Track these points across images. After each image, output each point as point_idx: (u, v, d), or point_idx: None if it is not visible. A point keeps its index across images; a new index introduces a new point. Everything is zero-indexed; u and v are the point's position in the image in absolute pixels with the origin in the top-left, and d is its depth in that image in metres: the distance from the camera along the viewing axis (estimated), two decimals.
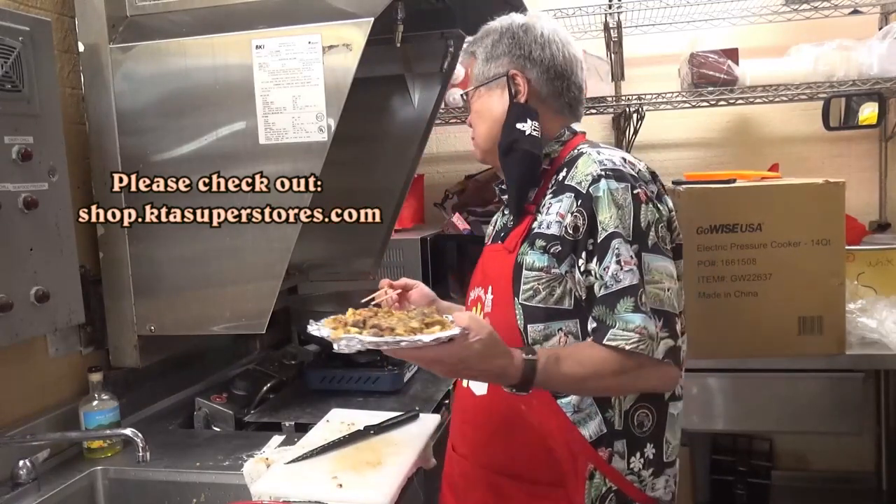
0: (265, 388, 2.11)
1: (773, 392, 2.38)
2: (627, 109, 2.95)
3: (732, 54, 2.71)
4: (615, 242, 1.24)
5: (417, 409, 1.76)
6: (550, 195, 1.34)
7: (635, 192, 1.27)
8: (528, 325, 1.31)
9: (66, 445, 1.72)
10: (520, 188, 1.39)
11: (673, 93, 2.86)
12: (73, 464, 1.68)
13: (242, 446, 1.73)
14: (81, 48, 1.80)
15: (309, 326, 1.18)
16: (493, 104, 1.43)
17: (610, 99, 2.96)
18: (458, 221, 2.78)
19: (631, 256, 1.23)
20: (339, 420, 1.71)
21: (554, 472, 1.32)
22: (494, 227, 1.55)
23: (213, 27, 1.72)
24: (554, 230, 1.30)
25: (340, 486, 1.39)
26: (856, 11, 2.80)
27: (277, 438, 1.72)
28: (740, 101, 2.87)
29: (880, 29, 2.74)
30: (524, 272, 1.32)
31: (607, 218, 1.25)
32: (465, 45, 1.52)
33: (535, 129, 1.37)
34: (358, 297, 2.50)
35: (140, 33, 1.78)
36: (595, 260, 1.26)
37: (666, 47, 3.05)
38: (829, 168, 3.02)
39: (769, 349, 2.25)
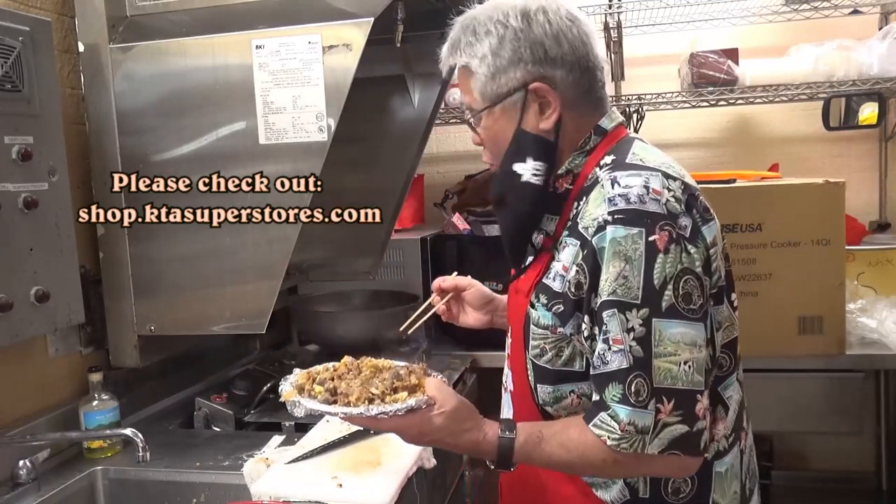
0: (265, 388, 2.11)
1: (773, 392, 2.38)
2: (627, 109, 2.95)
3: (732, 54, 2.71)
4: (606, 314, 1.03)
5: None
6: (566, 232, 1.13)
7: (651, 238, 1.02)
8: (538, 385, 1.16)
9: (66, 445, 1.72)
10: (514, 247, 1.20)
11: (673, 93, 2.86)
12: (73, 464, 1.68)
13: (242, 446, 1.73)
14: (81, 48, 1.80)
15: (282, 381, 1.17)
16: (510, 128, 1.15)
17: (610, 99, 2.95)
18: (458, 221, 2.78)
19: (628, 330, 1.02)
20: (339, 420, 1.71)
21: None
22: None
23: (213, 27, 1.72)
24: (557, 286, 1.10)
25: (340, 486, 1.39)
26: (856, 11, 2.80)
27: (277, 438, 1.72)
28: (740, 101, 2.87)
29: (880, 29, 2.74)
30: (531, 328, 1.14)
31: (604, 280, 1.03)
32: (444, 51, 1.20)
33: (535, 173, 1.12)
34: (358, 297, 2.53)
35: (140, 33, 1.78)
36: (596, 326, 1.07)
37: (666, 47, 3.05)
38: (829, 168, 3.03)
39: (769, 349, 2.25)
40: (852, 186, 2.49)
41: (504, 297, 1.44)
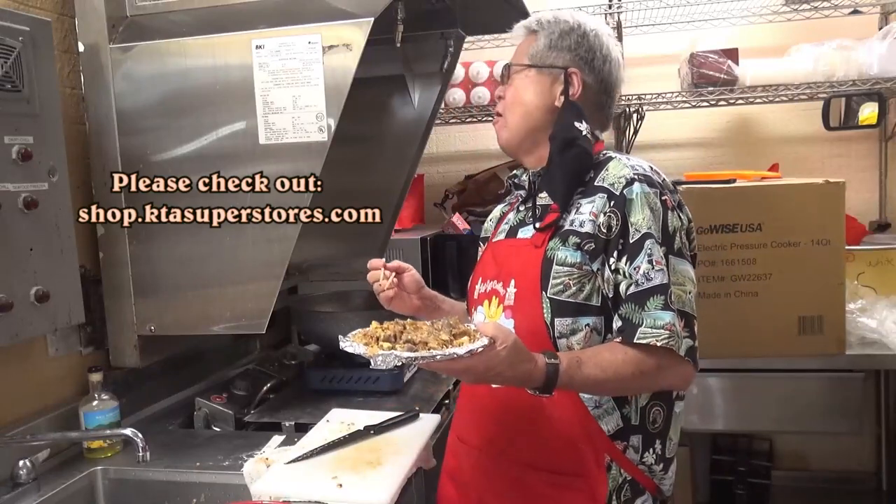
0: (265, 388, 2.11)
1: (773, 392, 2.38)
2: (627, 109, 2.95)
3: (732, 54, 2.71)
4: (648, 243, 1.28)
5: (417, 409, 1.76)
6: (579, 195, 1.38)
7: (663, 198, 1.33)
8: (556, 319, 1.33)
9: (66, 445, 1.72)
10: (570, 184, 1.39)
11: (673, 93, 2.86)
12: (73, 464, 1.68)
13: (242, 446, 1.73)
14: (81, 48, 1.80)
15: (341, 343, 1.20)
16: (537, 90, 1.43)
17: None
18: (458, 221, 2.78)
19: (661, 257, 1.28)
20: (339, 420, 1.72)
21: (575, 463, 1.34)
22: (505, 223, 1.53)
23: (213, 27, 1.72)
24: (588, 228, 1.33)
25: (340, 486, 1.39)
26: (856, 11, 2.80)
27: (277, 438, 1.72)
28: (740, 101, 2.87)
29: (880, 29, 2.74)
30: (554, 267, 1.34)
31: (640, 220, 1.30)
32: (524, 20, 1.50)
33: (589, 133, 1.40)
34: (358, 297, 2.53)
35: (140, 33, 1.78)
36: (625, 259, 1.30)
37: (666, 47, 3.05)
38: (829, 168, 3.03)
39: (769, 349, 2.25)
40: (852, 186, 2.49)
41: (430, 291, 1.59)
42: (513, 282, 1.40)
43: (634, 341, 1.25)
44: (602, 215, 1.32)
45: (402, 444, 1.58)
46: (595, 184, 1.37)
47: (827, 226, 2.19)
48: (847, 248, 2.28)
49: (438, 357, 1.12)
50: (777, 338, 2.23)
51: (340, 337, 1.21)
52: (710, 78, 2.71)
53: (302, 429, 1.80)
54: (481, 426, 1.46)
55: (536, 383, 1.22)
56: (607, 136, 3.14)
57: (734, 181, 2.31)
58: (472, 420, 1.49)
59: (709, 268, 2.22)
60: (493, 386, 1.40)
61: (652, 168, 1.38)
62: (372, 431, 1.63)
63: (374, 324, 1.23)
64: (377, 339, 1.18)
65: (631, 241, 1.30)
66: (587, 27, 1.43)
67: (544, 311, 1.34)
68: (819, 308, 2.22)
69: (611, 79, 1.44)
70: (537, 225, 1.42)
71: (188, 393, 2.12)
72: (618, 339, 1.29)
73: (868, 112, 2.69)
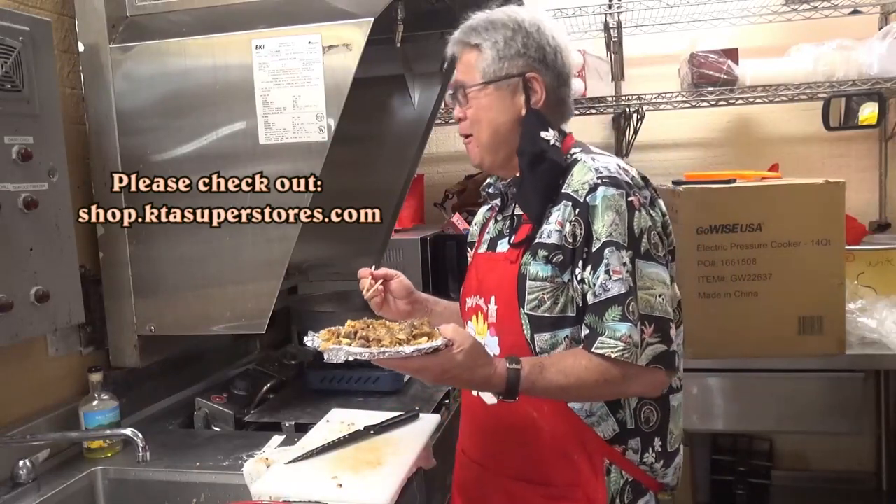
0: (265, 388, 2.11)
1: (773, 392, 2.38)
2: (627, 109, 2.95)
3: (732, 54, 2.71)
4: (607, 251, 1.25)
5: (417, 409, 1.76)
6: (550, 204, 1.34)
7: (629, 199, 1.27)
8: (535, 335, 1.31)
9: (66, 445, 1.72)
10: (544, 199, 1.35)
11: (673, 93, 2.86)
12: (73, 464, 1.68)
13: (242, 446, 1.73)
14: (81, 48, 1.80)
15: (305, 337, 1.22)
16: (500, 107, 1.35)
17: (610, 99, 2.96)
18: (458, 221, 2.78)
19: (623, 264, 1.24)
20: (339, 420, 1.71)
21: (570, 473, 1.33)
22: (487, 233, 1.51)
23: (213, 27, 1.72)
24: (554, 239, 1.30)
25: (340, 486, 1.39)
26: (856, 11, 2.80)
27: (277, 438, 1.72)
28: (740, 101, 2.87)
29: (880, 29, 2.74)
30: (528, 283, 1.31)
31: (601, 227, 1.26)
32: (458, 34, 1.39)
33: (556, 140, 1.35)
34: (358, 297, 2.53)
35: (140, 33, 1.78)
36: (589, 268, 1.27)
37: (666, 47, 3.05)
38: (829, 168, 3.02)
39: (769, 349, 2.25)
40: (852, 186, 2.49)
41: (422, 294, 1.59)
42: (493, 298, 1.39)
43: (592, 350, 1.24)
44: (567, 224, 1.29)
45: (402, 444, 1.58)
46: (562, 191, 1.32)
47: (827, 226, 2.19)
48: (847, 248, 2.28)
49: (387, 354, 1.14)
50: (777, 338, 2.23)
51: (309, 332, 1.23)
52: (710, 78, 2.71)
53: (302, 429, 1.80)
54: (478, 440, 1.47)
55: (497, 388, 1.21)
56: (607, 138, 3.18)
57: (734, 181, 2.31)
58: (470, 434, 1.50)
59: (709, 268, 2.22)
60: (488, 403, 1.40)
61: (619, 166, 1.32)
62: (372, 431, 1.62)
63: (349, 322, 1.25)
64: (339, 335, 1.21)
65: (593, 251, 1.26)
66: (527, 23, 1.34)
67: (524, 327, 1.32)
68: (819, 308, 2.22)
69: (565, 69, 1.38)
70: (512, 240, 1.39)
71: (188, 393, 2.12)
72: (582, 347, 1.27)
73: (868, 112, 2.68)
